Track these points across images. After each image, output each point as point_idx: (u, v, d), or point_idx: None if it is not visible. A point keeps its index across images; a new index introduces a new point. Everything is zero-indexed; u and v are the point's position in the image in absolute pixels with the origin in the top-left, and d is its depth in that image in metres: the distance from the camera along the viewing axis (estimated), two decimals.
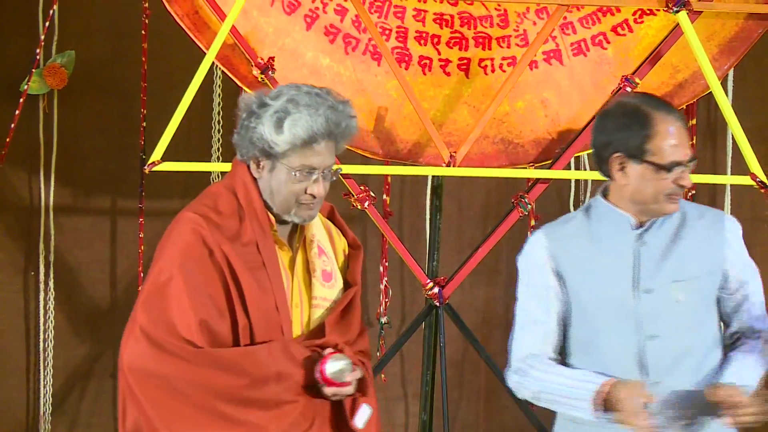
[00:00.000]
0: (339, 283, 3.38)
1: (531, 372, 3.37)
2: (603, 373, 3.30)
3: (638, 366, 3.33)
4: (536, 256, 3.43)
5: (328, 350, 3.23)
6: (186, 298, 3.16)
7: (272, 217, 3.29)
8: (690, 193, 5.42)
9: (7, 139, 5.12)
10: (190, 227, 3.22)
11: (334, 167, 3.27)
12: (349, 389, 3.23)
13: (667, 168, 3.29)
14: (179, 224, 3.25)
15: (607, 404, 3.21)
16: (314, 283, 3.31)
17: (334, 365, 3.20)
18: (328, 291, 3.33)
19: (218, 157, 5.56)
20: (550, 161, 5.02)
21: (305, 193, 3.22)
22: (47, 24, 5.23)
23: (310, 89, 3.22)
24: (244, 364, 3.16)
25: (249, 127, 3.22)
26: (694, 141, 5.57)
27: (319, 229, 3.38)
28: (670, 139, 3.29)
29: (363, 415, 3.24)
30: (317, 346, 3.25)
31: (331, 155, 3.24)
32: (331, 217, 3.47)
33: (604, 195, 3.43)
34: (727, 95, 5.38)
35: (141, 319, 3.20)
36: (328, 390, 3.21)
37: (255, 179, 3.28)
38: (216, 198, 3.29)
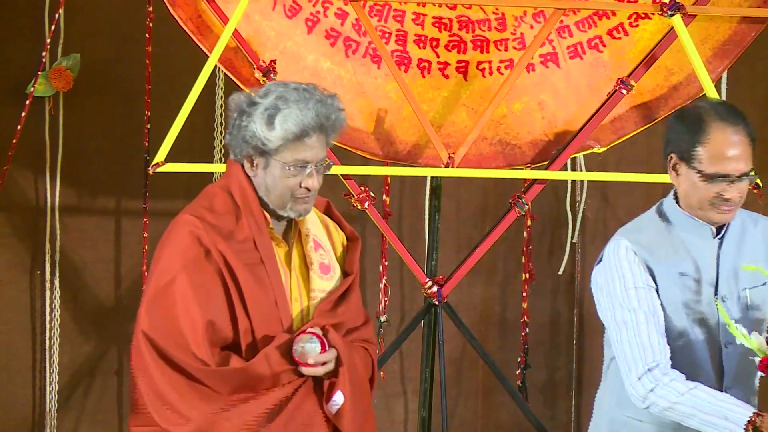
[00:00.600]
0: (338, 274, 3.41)
1: (671, 383, 3.25)
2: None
3: (716, 372, 3.33)
4: (629, 259, 3.35)
5: (311, 330, 3.26)
6: (192, 300, 3.20)
7: (267, 215, 3.32)
8: None
9: (14, 141, 5.12)
10: (186, 229, 3.25)
11: (326, 161, 3.30)
12: (317, 370, 3.24)
13: (708, 178, 3.26)
14: (176, 227, 3.29)
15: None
16: (312, 276, 3.34)
17: (296, 346, 3.23)
18: (327, 283, 3.36)
19: (221, 158, 5.58)
20: (546, 162, 5.02)
21: (300, 187, 3.26)
22: (53, 27, 5.23)
23: (297, 85, 3.26)
24: (244, 378, 3.20)
25: (241, 126, 3.26)
26: None
27: (315, 224, 3.41)
28: (722, 150, 3.25)
29: (336, 401, 3.26)
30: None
31: (323, 148, 3.28)
32: (328, 212, 3.51)
33: (675, 199, 3.41)
34: (720, 97, 5.41)
35: (143, 323, 3.23)
36: (300, 368, 3.24)
37: (249, 178, 3.31)
38: (212, 198, 3.33)
